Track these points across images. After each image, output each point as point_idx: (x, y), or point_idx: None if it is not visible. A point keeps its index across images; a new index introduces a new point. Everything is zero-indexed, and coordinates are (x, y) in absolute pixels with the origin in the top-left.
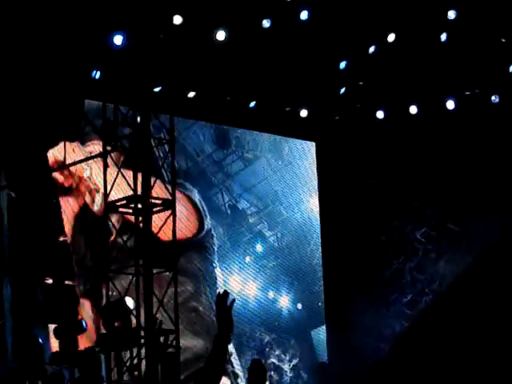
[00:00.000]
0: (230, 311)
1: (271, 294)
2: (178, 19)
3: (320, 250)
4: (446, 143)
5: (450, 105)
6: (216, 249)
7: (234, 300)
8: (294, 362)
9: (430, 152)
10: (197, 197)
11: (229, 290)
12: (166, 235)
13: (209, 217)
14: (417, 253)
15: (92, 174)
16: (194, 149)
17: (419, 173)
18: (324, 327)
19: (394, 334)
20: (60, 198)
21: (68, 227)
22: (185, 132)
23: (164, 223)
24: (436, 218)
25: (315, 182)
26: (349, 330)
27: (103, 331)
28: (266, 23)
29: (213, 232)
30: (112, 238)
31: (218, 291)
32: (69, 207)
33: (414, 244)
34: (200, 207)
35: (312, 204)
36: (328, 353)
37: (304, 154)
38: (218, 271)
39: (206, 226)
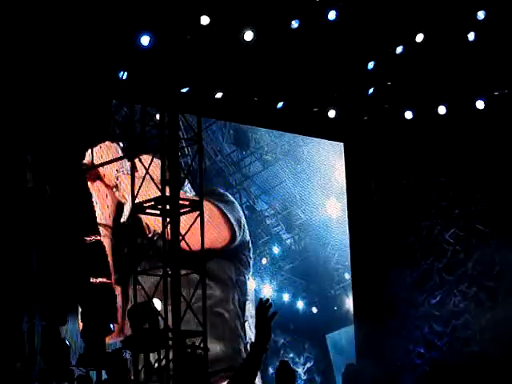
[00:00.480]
0: (269, 322)
1: (286, 297)
2: (205, 20)
3: (337, 254)
4: (473, 143)
5: (480, 105)
6: (251, 262)
7: (275, 313)
8: (309, 365)
9: (457, 152)
10: (237, 208)
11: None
12: (194, 238)
13: (247, 229)
14: (445, 254)
15: (120, 187)
16: (212, 148)
17: (447, 173)
18: (339, 331)
19: (422, 335)
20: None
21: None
22: (203, 131)
23: (193, 223)
24: (464, 218)
25: (334, 185)
26: (377, 331)
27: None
28: (294, 24)
29: (251, 245)
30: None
31: (260, 298)
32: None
33: (443, 245)
34: (232, 219)
35: (330, 207)
36: (356, 354)
37: (323, 157)
38: (250, 283)
39: (238, 238)
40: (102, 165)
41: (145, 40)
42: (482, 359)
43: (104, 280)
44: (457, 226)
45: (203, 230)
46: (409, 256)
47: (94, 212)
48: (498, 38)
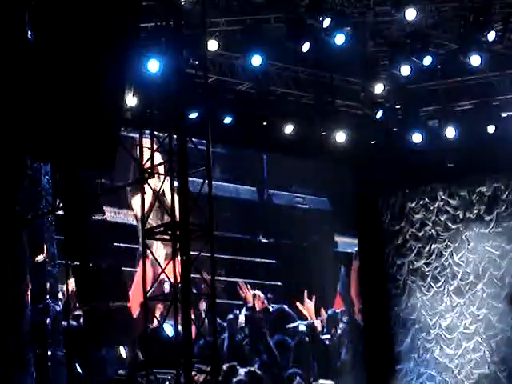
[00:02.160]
0: None
1: None
2: (213, 45)
3: None
4: (482, 166)
5: (488, 129)
6: None
7: None
8: None
9: (467, 174)
10: None
11: None
12: None
13: None
14: (455, 276)
15: None
16: None
17: (456, 195)
18: None
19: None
20: None
21: None
22: None
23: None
24: (474, 240)
25: None
26: (387, 354)
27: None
28: (305, 47)
29: None
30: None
31: None
32: None
33: (453, 267)
34: None
35: None
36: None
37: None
38: None
39: None
40: (116, 189)
41: (153, 66)
42: (493, 381)
43: (121, 304)
44: (466, 248)
45: (213, 254)
46: (420, 279)
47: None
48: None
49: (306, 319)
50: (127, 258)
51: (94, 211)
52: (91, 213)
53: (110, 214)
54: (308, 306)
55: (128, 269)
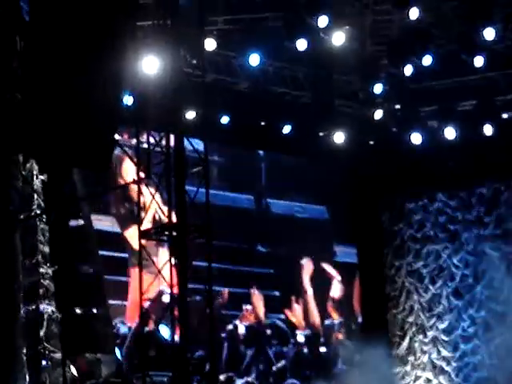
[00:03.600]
0: None
1: None
2: (211, 44)
3: None
4: (482, 167)
5: (488, 130)
6: None
7: None
8: None
9: (467, 175)
10: None
11: None
12: None
13: None
14: (454, 278)
15: None
16: None
17: (455, 196)
18: None
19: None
20: None
21: None
22: None
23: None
24: (473, 242)
25: None
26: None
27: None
28: (301, 46)
29: None
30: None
31: None
32: None
33: (451, 269)
34: None
35: None
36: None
37: None
38: None
39: None
40: (112, 189)
41: (150, 65)
42: None
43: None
44: (465, 250)
45: (210, 256)
46: (417, 281)
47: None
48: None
49: (295, 327)
50: (118, 266)
51: (72, 216)
52: (70, 217)
53: (99, 221)
54: (296, 314)
55: (117, 277)
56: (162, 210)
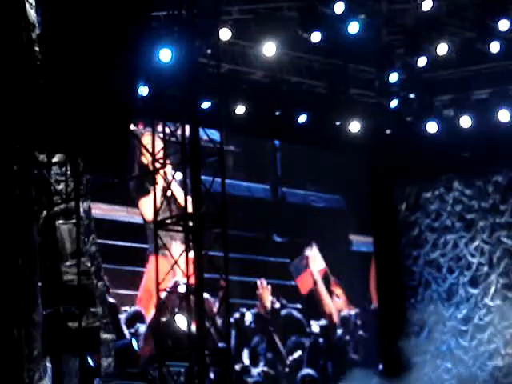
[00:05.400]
0: None
1: None
2: (226, 34)
3: None
4: (496, 155)
5: (503, 117)
6: None
7: None
8: None
9: (482, 164)
10: None
11: None
12: None
13: None
14: (470, 267)
15: None
16: None
17: (471, 185)
18: None
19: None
20: None
21: None
22: None
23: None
24: (489, 230)
25: None
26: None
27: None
28: (316, 37)
29: None
30: None
31: None
32: None
33: (468, 258)
34: None
35: None
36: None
37: None
38: None
39: None
40: (128, 179)
41: (165, 55)
42: (506, 373)
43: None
44: (481, 238)
45: (226, 245)
46: (436, 270)
47: None
48: None
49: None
50: (133, 257)
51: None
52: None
53: (115, 211)
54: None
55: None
56: (177, 200)
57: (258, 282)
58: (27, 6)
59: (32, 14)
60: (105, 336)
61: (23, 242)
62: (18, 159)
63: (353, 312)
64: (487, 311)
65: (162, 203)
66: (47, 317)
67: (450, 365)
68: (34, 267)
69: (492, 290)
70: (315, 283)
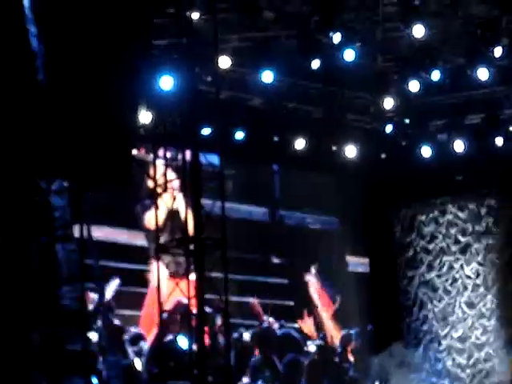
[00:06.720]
0: None
1: None
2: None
3: None
4: (490, 179)
5: (496, 143)
6: None
7: None
8: None
9: (476, 187)
10: None
11: None
12: None
13: None
14: (466, 288)
15: None
16: None
17: (465, 208)
18: None
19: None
20: None
21: None
22: None
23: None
24: (483, 252)
25: None
26: (399, 364)
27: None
28: (314, 64)
29: None
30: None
31: None
32: None
33: (464, 280)
34: None
35: None
36: None
37: None
38: None
39: None
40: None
41: (166, 82)
42: None
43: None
44: (476, 260)
45: (226, 266)
46: (431, 291)
47: None
48: None
49: (308, 337)
50: (134, 278)
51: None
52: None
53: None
54: (307, 325)
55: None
56: (178, 225)
57: (251, 301)
58: (29, 34)
59: (34, 42)
60: None
61: (23, 262)
62: (20, 185)
63: (352, 331)
64: (483, 331)
65: (165, 225)
66: (44, 339)
67: (447, 382)
68: (32, 289)
69: (488, 310)
70: (316, 307)
